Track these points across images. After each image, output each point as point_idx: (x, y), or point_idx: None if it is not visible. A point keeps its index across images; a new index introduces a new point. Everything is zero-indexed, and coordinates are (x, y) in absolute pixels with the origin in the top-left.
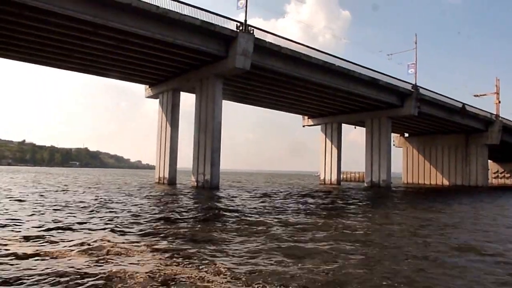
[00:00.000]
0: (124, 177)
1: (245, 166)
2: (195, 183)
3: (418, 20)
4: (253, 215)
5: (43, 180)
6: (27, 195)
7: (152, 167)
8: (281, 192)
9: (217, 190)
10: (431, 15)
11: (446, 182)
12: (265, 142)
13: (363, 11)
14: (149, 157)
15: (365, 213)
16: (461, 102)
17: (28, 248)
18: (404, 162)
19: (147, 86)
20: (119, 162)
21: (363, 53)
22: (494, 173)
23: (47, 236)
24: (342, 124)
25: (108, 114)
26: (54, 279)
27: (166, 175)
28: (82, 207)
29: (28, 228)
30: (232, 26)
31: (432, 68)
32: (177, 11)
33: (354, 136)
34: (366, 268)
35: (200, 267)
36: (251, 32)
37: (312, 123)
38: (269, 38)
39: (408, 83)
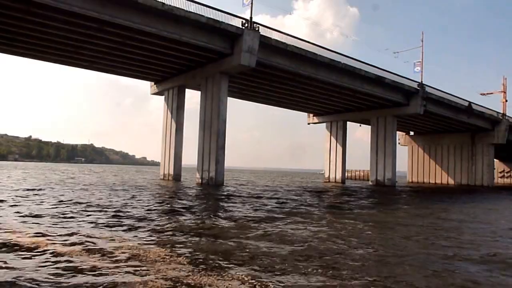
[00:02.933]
0: (134, 174)
1: (248, 164)
2: (200, 180)
3: (426, 18)
4: (264, 214)
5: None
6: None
7: (157, 164)
8: (286, 190)
9: (222, 188)
10: (440, 13)
11: (451, 182)
12: (269, 140)
13: (371, 8)
14: (154, 153)
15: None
16: (467, 101)
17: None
18: (409, 161)
19: (153, 83)
20: (124, 159)
21: (371, 51)
22: (500, 172)
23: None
24: (348, 122)
25: (113, 111)
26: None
27: (171, 172)
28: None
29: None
30: (237, 23)
31: (438, 67)
32: (183, 8)
33: (361, 134)
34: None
35: (223, 275)
36: (257, 29)
37: (317, 121)
38: (274, 36)
39: (414, 81)
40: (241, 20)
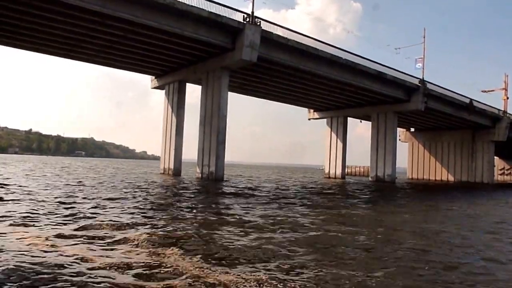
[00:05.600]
0: (142, 169)
1: (248, 159)
2: (200, 175)
3: (427, 16)
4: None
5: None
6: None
7: (157, 158)
8: (289, 186)
9: (222, 182)
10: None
11: (451, 178)
12: (270, 136)
13: (372, 7)
14: (155, 148)
15: None
16: (469, 98)
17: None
18: (409, 157)
19: (153, 77)
20: (124, 153)
21: (373, 47)
22: (500, 169)
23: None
24: (348, 118)
25: (114, 105)
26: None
27: (171, 166)
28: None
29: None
30: (239, 17)
31: (439, 64)
32: (184, 2)
33: (363, 129)
34: None
35: (242, 274)
36: (258, 24)
37: (317, 116)
38: (276, 30)
39: (416, 77)
40: (243, 14)
